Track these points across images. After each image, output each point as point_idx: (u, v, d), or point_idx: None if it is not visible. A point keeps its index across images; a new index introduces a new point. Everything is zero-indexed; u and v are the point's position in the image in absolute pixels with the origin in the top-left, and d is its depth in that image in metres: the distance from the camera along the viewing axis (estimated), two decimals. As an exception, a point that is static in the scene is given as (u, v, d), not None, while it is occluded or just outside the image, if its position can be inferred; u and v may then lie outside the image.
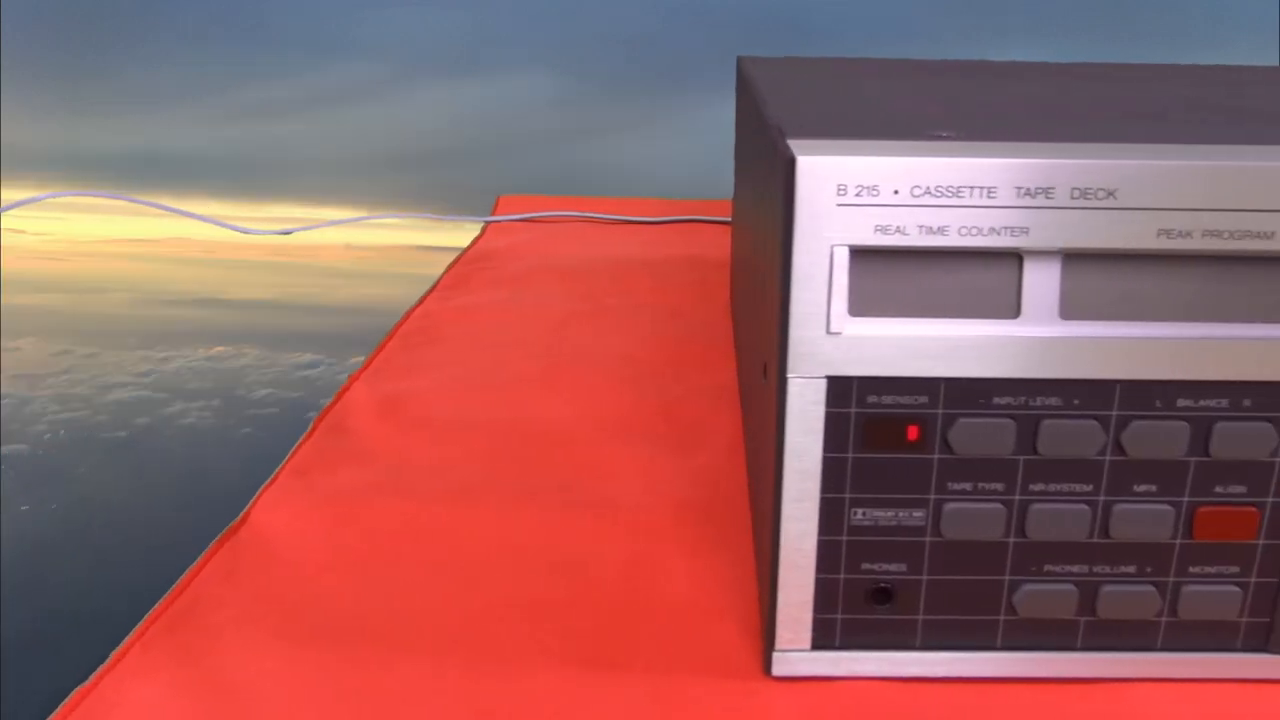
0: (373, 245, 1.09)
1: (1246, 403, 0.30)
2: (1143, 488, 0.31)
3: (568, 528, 0.42)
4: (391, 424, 0.52)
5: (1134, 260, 0.29)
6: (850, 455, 0.31)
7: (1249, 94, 0.46)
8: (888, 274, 0.30)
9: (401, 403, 0.55)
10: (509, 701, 0.32)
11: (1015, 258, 0.30)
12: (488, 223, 0.98)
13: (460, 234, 0.97)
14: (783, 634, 0.33)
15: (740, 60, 0.64)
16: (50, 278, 1.12)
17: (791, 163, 0.28)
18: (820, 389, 0.30)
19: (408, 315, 0.71)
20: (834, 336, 0.29)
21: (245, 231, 0.97)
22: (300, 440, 0.50)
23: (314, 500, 0.44)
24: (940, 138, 0.31)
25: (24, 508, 0.63)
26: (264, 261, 1.09)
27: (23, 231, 1.18)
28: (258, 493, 0.45)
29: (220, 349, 0.68)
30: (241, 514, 0.43)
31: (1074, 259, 0.29)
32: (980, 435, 0.31)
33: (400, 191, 0.99)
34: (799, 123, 0.33)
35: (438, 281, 0.79)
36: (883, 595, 0.33)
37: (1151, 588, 0.32)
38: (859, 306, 0.30)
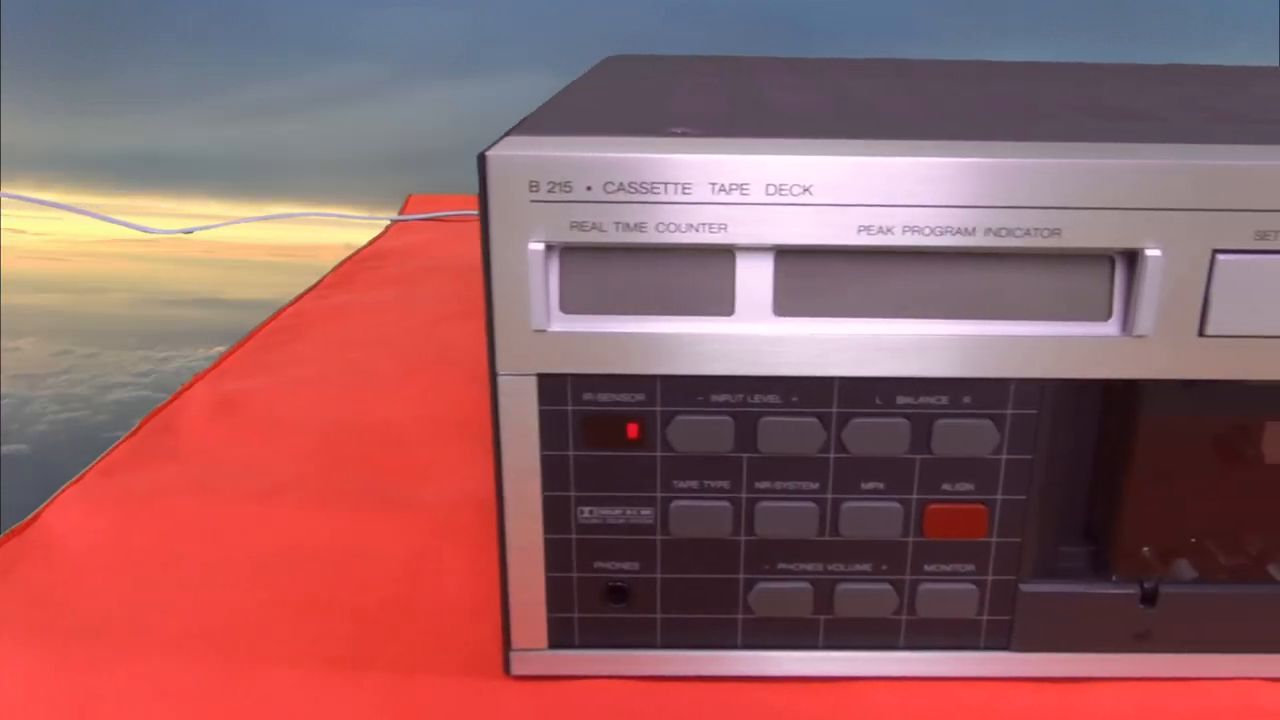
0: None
1: (967, 399, 0.30)
2: (870, 485, 0.31)
3: (363, 527, 0.42)
4: (222, 423, 0.52)
5: (845, 256, 0.29)
6: (571, 453, 0.31)
7: (989, 89, 0.46)
8: (600, 270, 0.30)
9: (239, 402, 0.55)
10: (239, 701, 0.32)
11: (729, 254, 0.30)
12: (394, 221, 0.98)
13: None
14: (518, 633, 0.33)
15: (607, 60, 0.64)
16: (50, 278, 1.12)
17: (482, 159, 0.28)
18: (531, 386, 0.30)
19: (278, 314, 0.70)
20: (542, 334, 0.30)
21: (147, 231, 0.97)
22: (120, 440, 0.50)
23: (113, 499, 0.44)
24: (674, 134, 0.31)
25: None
26: (264, 261, 1.09)
27: (23, 231, 1.18)
28: (56, 492, 0.45)
29: (220, 349, 0.68)
30: (33, 513, 0.43)
31: (786, 255, 0.30)
32: (699, 433, 0.31)
33: (400, 191, 0.99)
34: (534, 122, 0.33)
35: (321, 280, 0.79)
36: (618, 594, 0.33)
37: (888, 586, 0.33)
38: (572, 303, 0.30)
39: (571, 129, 0.31)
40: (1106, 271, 0.30)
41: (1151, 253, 0.29)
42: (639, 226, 0.29)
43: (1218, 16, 0.68)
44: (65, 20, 0.68)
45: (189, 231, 0.97)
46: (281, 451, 0.49)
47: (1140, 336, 0.30)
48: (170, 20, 0.68)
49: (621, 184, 0.28)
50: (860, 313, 0.30)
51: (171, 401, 0.55)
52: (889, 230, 0.29)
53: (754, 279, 0.30)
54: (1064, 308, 0.30)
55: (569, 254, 0.30)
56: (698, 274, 0.30)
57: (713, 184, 0.28)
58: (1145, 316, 0.29)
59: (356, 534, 0.42)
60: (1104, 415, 0.32)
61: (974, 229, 0.29)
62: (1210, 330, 0.30)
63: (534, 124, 0.32)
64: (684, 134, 0.31)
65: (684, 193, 0.28)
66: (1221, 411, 0.32)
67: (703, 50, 0.63)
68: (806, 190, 0.28)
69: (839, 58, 0.66)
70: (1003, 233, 0.29)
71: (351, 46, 0.62)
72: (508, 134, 0.30)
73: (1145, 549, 0.33)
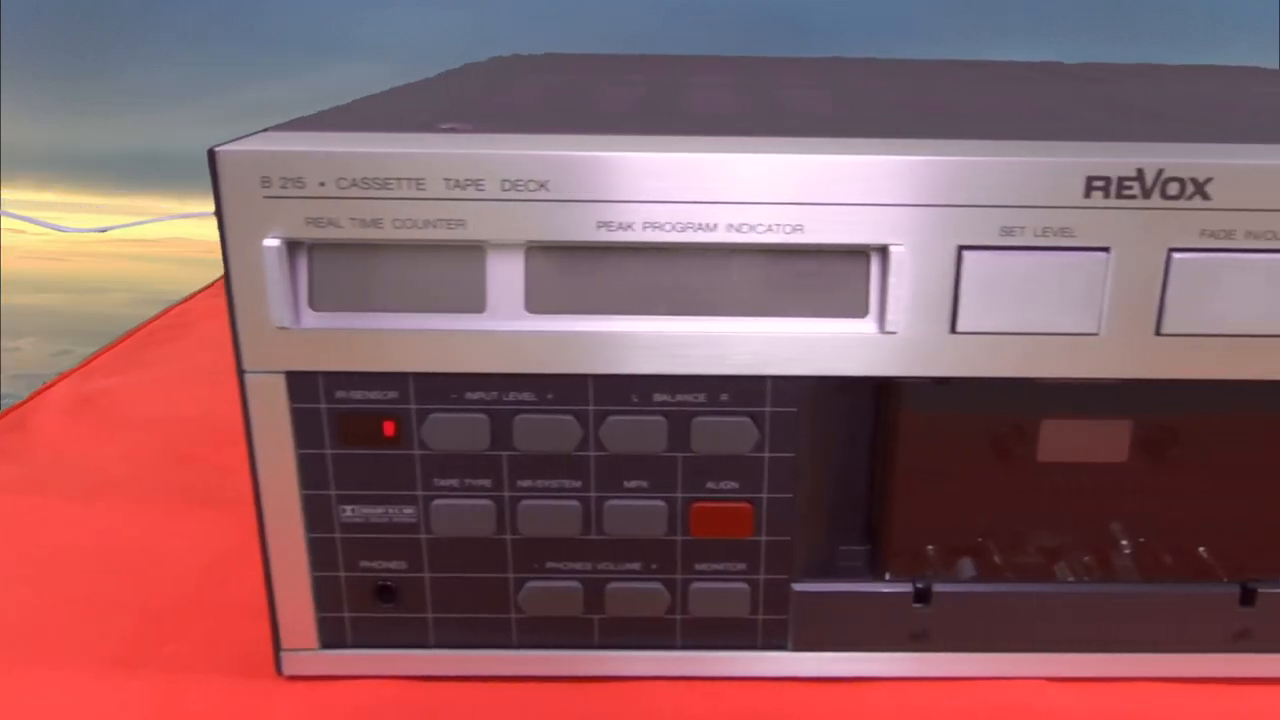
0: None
1: (724, 397, 0.30)
2: (632, 483, 0.31)
3: (178, 527, 0.42)
4: (74, 422, 0.52)
5: (596, 252, 0.29)
6: (328, 452, 0.31)
7: (810, 86, 0.46)
8: (350, 267, 0.30)
9: (96, 401, 0.55)
10: (6, 701, 0.32)
11: (479, 251, 0.29)
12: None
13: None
14: (287, 633, 0.33)
15: (494, 60, 0.64)
16: (50, 278, 1.12)
17: (213, 155, 0.28)
18: (280, 384, 0.30)
19: (165, 311, 0.70)
20: (288, 331, 0.29)
21: (60, 230, 0.97)
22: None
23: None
24: (445, 130, 0.31)
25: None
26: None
27: (23, 231, 1.17)
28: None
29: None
30: None
31: (536, 252, 0.29)
32: (454, 431, 0.31)
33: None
34: (303, 120, 0.33)
35: (218, 279, 0.79)
36: (387, 593, 0.33)
37: (659, 585, 0.33)
38: (323, 300, 0.30)
39: (321, 126, 0.31)
40: (863, 268, 0.30)
41: (897, 249, 0.29)
42: (375, 222, 0.29)
43: (1218, 16, 0.68)
44: (65, 20, 0.68)
45: (103, 230, 0.97)
46: (123, 450, 0.49)
47: (894, 334, 0.30)
48: (170, 20, 0.68)
49: (355, 180, 0.28)
50: (614, 309, 0.30)
51: (28, 400, 0.55)
52: (629, 226, 0.29)
53: (505, 276, 0.30)
54: (822, 305, 0.30)
55: (318, 250, 0.30)
56: (448, 271, 0.30)
57: (447, 180, 0.28)
58: (896, 314, 0.29)
59: (169, 533, 0.42)
60: (866, 413, 0.32)
61: (715, 225, 0.29)
62: (962, 328, 0.30)
63: (298, 122, 0.32)
64: (451, 129, 0.31)
65: (418, 188, 0.28)
66: (980, 409, 0.32)
67: (703, 50, 0.63)
68: (542, 186, 0.28)
69: (760, 56, 0.66)
70: (744, 229, 0.29)
71: (351, 46, 0.62)
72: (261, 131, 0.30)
73: (917, 548, 0.33)
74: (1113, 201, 0.29)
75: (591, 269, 0.30)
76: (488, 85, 0.46)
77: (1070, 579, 0.34)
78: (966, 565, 0.34)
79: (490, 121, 0.33)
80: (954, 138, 0.30)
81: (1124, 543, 0.34)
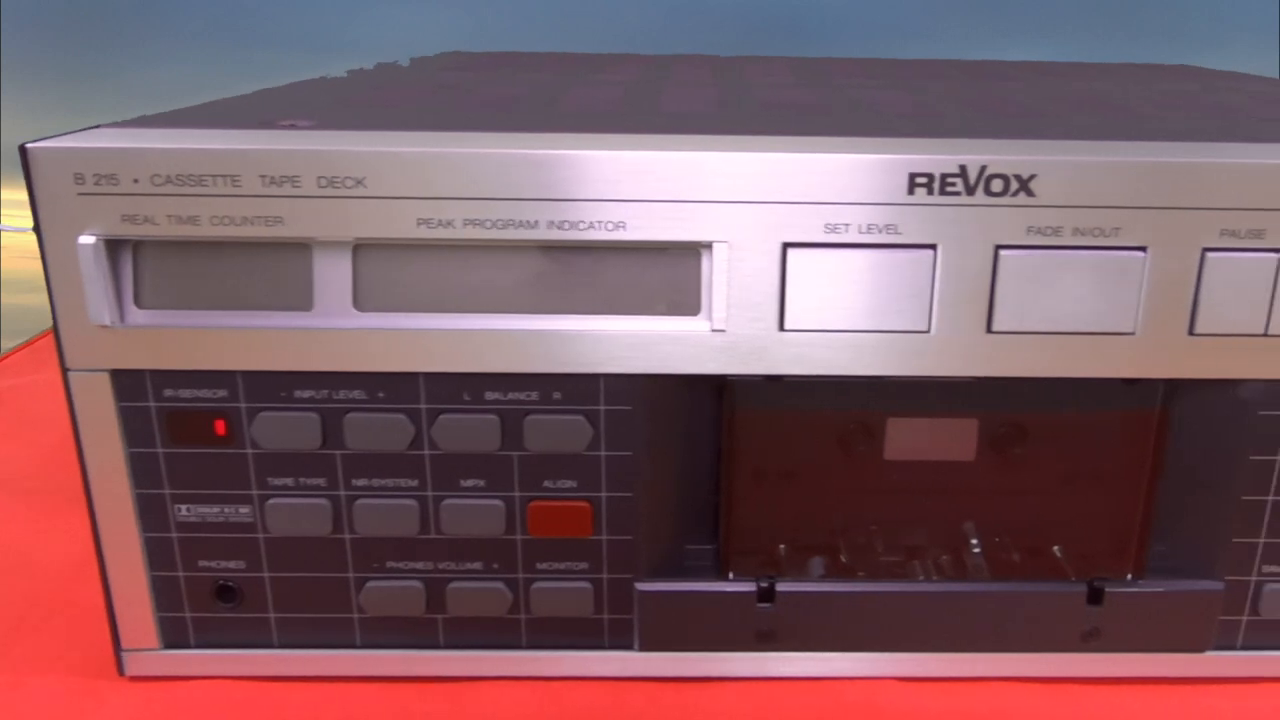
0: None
1: (557, 395, 0.30)
2: (469, 482, 0.31)
3: (63, 524, 0.42)
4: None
5: (422, 250, 0.29)
6: (159, 451, 0.31)
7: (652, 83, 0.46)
8: (175, 265, 0.30)
9: (4, 397, 0.55)
10: None
11: (305, 249, 0.29)
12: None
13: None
14: (127, 634, 0.33)
15: (440, 56, 0.63)
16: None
17: (24, 151, 0.28)
18: (105, 383, 0.30)
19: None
20: (111, 330, 0.29)
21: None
22: None
23: None
24: (284, 127, 0.31)
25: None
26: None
27: (24, 230, 1.17)
28: None
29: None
30: None
31: (364, 249, 0.29)
32: (285, 430, 0.31)
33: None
34: (154, 118, 0.33)
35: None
36: (227, 593, 0.33)
37: (500, 584, 0.33)
38: (149, 298, 0.30)
39: (150, 123, 0.31)
40: (694, 266, 0.30)
41: (720, 246, 0.29)
42: (192, 220, 0.29)
43: (1218, 16, 0.68)
44: (65, 20, 0.68)
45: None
46: (16, 449, 0.49)
47: (723, 331, 0.30)
48: (170, 20, 0.68)
49: (169, 176, 0.28)
50: (443, 307, 0.30)
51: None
52: (449, 224, 0.29)
53: (332, 274, 0.30)
54: (653, 303, 0.30)
55: (142, 248, 0.29)
56: (274, 269, 0.30)
57: (263, 177, 0.28)
58: (722, 311, 0.29)
59: (46, 532, 0.42)
60: (705, 410, 0.32)
61: (536, 222, 0.29)
62: (790, 325, 0.30)
63: (137, 120, 0.32)
64: (290, 126, 0.31)
65: (234, 185, 0.28)
66: (817, 407, 0.32)
67: (703, 50, 0.63)
68: (360, 183, 0.28)
69: (698, 55, 0.66)
70: (565, 226, 0.29)
71: (351, 47, 0.62)
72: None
73: (762, 547, 0.33)
74: (937, 199, 0.29)
75: (419, 267, 0.30)
76: (383, 82, 0.46)
77: (921, 578, 0.33)
78: (816, 564, 0.34)
79: (350, 118, 0.33)
80: (782, 133, 0.30)
81: (974, 542, 0.34)
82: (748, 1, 0.69)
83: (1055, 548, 0.34)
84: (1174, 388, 0.32)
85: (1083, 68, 0.60)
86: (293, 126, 0.31)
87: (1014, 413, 0.33)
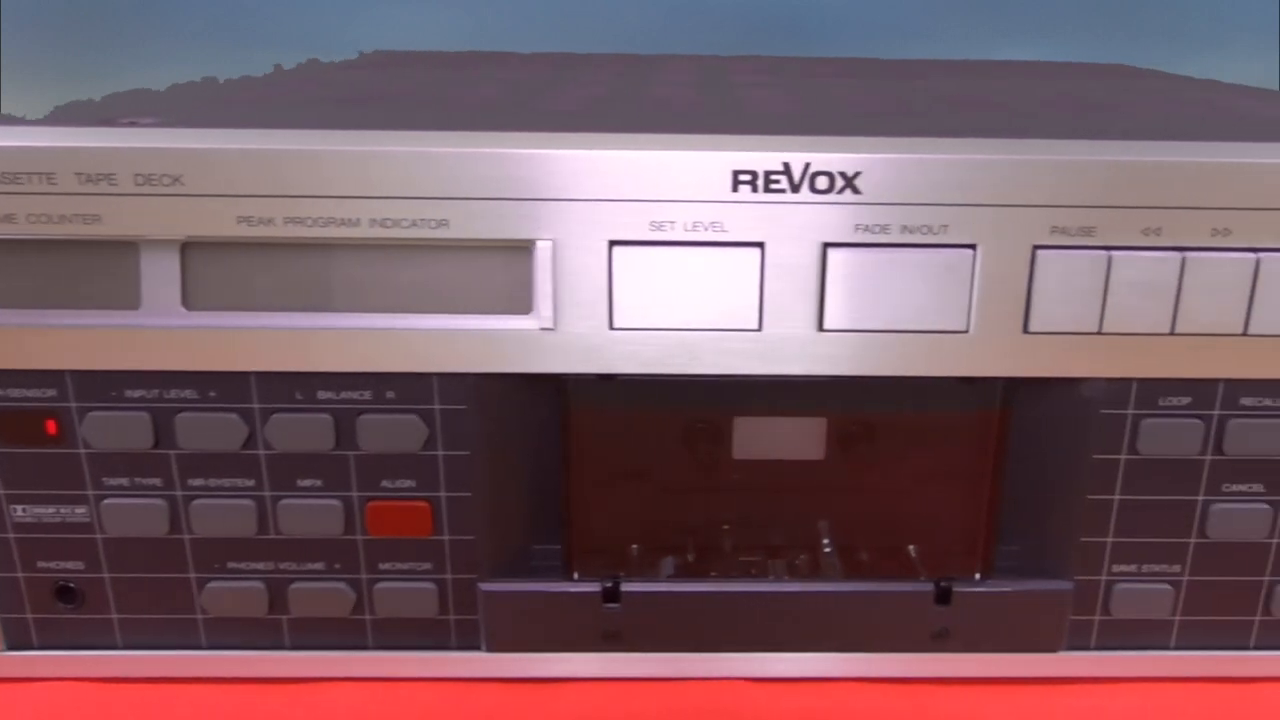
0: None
1: (390, 394, 0.30)
2: (306, 482, 0.31)
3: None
4: None
5: (250, 248, 0.29)
6: (-8, 450, 0.31)
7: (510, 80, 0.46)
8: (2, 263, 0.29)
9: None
10: None
11: (132, 247, 0.29)
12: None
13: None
14: (-32, 634, 0.33)
15: (362, 55, 0.63)
16: None
17: None
18: (-69, 382, 0.30)
19: None
20: (-66, 328, 0.29)
21: None
22: None
23: None
24: (124, 124, 0.31)
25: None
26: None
27: None
28: None
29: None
30: None
31: (192, 248, 0.29)
32: (116, 430, 0.31)
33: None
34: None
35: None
36: (68, 594, 0.33)
37: (343, 585, 0.33)
38: (-25, 296, 0.30)
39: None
40: (524, 264, 0.29)
41: (543, 245, 0.29)
42: (9, 218, 0.29)
43: (1218, 16, 0.68)
44: (65, 21, 0.69)
45: None
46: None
47: (552, 330, 0.30)
48: (170, 20, 0.69)
49: (-16, 174, 0.28)
50: (274, 306, 0.30)
51: None
52: (270, 221, 0.29)
53: (159, 272, 0.30)
54: (485, 301, 0.30)
55: (-33, 245, 0.29)
56: (101, 267, 0.30)
57: (79, 174, 0.28)
58: (548, 310, 0.29)
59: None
60: (545, 409, 0.32)
61: (358, 220, 0.29)
62: (620, 324, 0.29)
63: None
64: (130, 124, 0.31)
65: (49, 183, 0.28)
66: (654, 406, 0.32)
67: (703, 50, 0.64)
68: (177, 180, 0.28)
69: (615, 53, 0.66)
70: (388, 224, 0.29)
71: (351, 47, 0.63)
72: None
73: (608, 546, 0.33)
74: (761, 196, 0.29)
75: (247, 265, 0.30)
76: (274, 80, 0.46)
77: (771, 578, 0.33)
78: (667, 565, 0.34)
79: (195, 116, 0.33)
80: (611, 131, 0.30)
81: (825, 541, 0.34)
82: (748, 1, 0.69)
83: (905, 547, 0.34)
84: (1015, 387, 0.32)
85: (1017, 67, 0.60)
86: (133, 124, 0.31)
87: (860, 412, 0.33)
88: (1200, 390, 0.31)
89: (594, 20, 0.69)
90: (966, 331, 0.30)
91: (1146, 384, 0.31)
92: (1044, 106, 0.40)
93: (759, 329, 0.30)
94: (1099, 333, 0.30)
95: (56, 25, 0.70)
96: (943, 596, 0.33)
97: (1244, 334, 0.30)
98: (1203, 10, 0.70)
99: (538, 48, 0.63)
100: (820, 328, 0.30)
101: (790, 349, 0.30)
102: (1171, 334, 0.30)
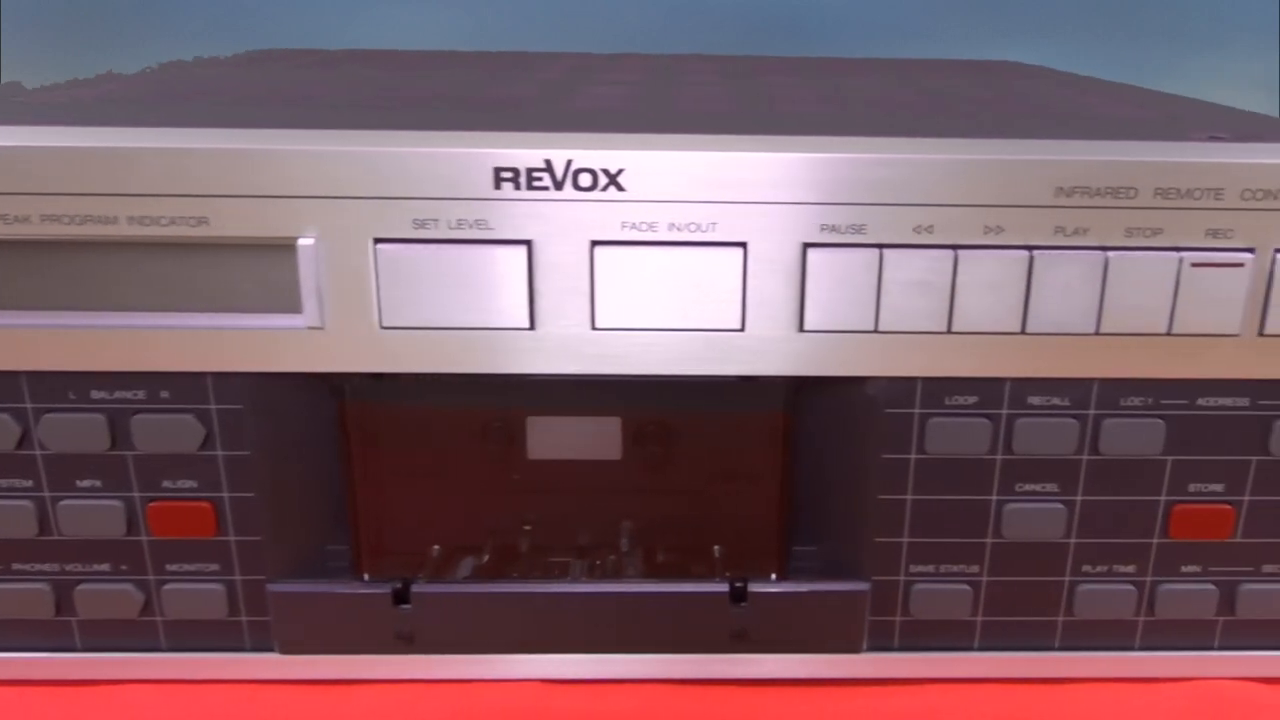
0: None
1: (165, 394, 0.30)
2: (86, 483, 0.32)
3: None
4: None
5: (18, 246, 0.29)
6: None
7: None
8: None
9: None
10: None
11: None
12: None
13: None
14: None
15: (249, 53, 0.63)
16: None
17: None
18: None
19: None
20: None
21: None
22: None
23: None
24: None
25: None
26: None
27: None
28: None
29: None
30: None
31: (-25, 245, 0.29)
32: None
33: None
34: None
35: None
36: None
37: (129, 586, 0.33)
38: None
39: None
40: (290, 262, 0.29)
41: (306, 243, 0.29)
42: None
43: (1218, 16, 0.68)
44: (65, 20, 0.69)
45: None
46: None
47: (321, 329, 0.29)
48: (170, 21, 0.69)
49: None
50: (45, 305, 0.30)
51: None
52: (26, 219, 0.28)
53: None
54: (255, 299, 0.30)
55: None
56: None
57: None
58: (315, 308, 0.29)
59: None
60: (323, 409, 0.32)
61: (116, 218, 0.29)
62: (388, 322, 0.29)
63: None
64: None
65: None
66: (438, 405, 0.32)
67: (703, 50, 0.64)
68: (-66, 178, 0.28)
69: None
70: (147, 222, 0.29)
71: (351, 46, 0.63)
72: None
73: (401, 547, 0.33)
74: (525, 194, 0.29)
75: (14, 263, 0.30)
76: (101, 81, 0.46)
77: (569, 579, 0.33)
78: (466, 565, 0.34)
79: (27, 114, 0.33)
80: (377, 128, 0.30)
81: (623, 542, 0.34)
82: (748, 1, 0.69)
83: (703, 548, 0.34)
84: (801, 386, 0.32)
85: (900, 65, 0.60)
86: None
87: (653, 412, 0.33)
88: (986, 389, 0.31)
89: (594, 20, 0.69)
90: (741, 330, 0.30)
91: (931, 383, 0.31)
92: (870, 105, 0.39)
93: (532, 327, 0.30)
94: (875, 331, 0.30)
95: (56, 25, 0.70)
96: (738, 596, 0.33)
97: (1022, 332, 0.30)
98: (1203, 10, 0.70)
99: (538, 47, 0.63)
100: (594, 326, 0.30)
101: (565, 347, 0.30)
102: (949, 332, 0.30)
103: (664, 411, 0.33)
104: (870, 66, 0.54)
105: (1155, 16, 0.69)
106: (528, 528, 0.34)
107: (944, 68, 0.55)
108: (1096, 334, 0.30)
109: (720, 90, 0.42)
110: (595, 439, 0.33)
